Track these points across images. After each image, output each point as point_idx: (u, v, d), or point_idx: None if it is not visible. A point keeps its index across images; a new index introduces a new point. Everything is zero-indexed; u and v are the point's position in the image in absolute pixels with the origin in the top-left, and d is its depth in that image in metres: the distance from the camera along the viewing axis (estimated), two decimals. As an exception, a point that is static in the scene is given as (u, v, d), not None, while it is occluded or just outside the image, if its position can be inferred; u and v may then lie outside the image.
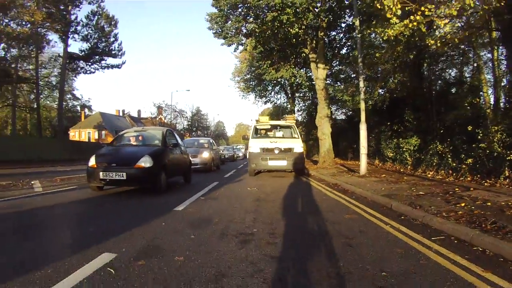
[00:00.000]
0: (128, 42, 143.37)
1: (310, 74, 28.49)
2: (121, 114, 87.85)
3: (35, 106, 49.77)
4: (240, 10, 21.17)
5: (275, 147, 16.11)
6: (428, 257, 4.28)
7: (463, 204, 6.84)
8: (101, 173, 9.56)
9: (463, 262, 4.06)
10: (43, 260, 4.02)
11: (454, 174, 11.97)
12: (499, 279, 3.57)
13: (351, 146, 25.92)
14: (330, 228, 5.90)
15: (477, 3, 9.44)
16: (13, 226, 6.05)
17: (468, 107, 15.56)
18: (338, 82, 32.14)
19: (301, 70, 31.01)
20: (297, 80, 29.54)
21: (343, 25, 24.93)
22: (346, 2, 19.21)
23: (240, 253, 4.38)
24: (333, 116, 31.98)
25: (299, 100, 42.90)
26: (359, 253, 4.43)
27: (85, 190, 10.85)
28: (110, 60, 47.86)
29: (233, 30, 22.04)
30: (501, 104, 16.31)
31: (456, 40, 10.28)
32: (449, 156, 13.06)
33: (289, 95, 41.36)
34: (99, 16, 44.87)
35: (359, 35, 15.23)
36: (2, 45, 36.30)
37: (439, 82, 21.12)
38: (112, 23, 46.92)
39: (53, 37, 50.22)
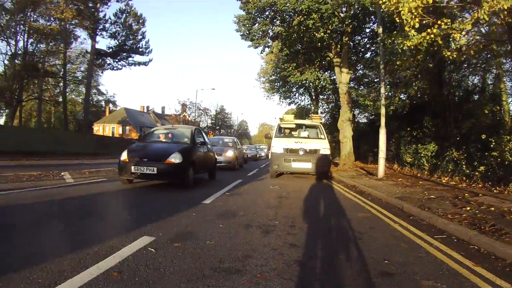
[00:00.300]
0: (155, 40, 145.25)
1: (334, 77, 28.63)
2: (145, 110, 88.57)
3: (61, 100, 50.89)
4: (267, 13, 21.59)
5: (299, 148, 14.97)
6: (428, 252, 4.87)
7: (468, 208, 7.39)
8: (132, 167, 10.15)
9: (458, 257, 4.61)
10: (91, 240, 4.63)
11: (467, 180, 12.34)
12: (487, 272, 4.10)
13: (372, 150, 26.07)
14: (344, 224, 6.58)
15: (494, 18, 9.84)
16: (55, 213, 6.70)
17: (490, 115, 15.84)
18: (362, 86, 32.30)
19: (326, 73, 31.08)
20: (321, 83, 29.64)
21: (367, 30, 25.19)
22: (371, 9, 19.44)
23: (263, 241, 5.05)
24: (356, 119, 32.19)
25: (323, 102, 43.08)
26: (367, 245, 5.06)
27: (115, 182, 11.48)
28: (137, 58, 48.67)
29: (260, 33, 22.39)
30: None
31: (472, 52, 10.70)
32: (463, 163, 13.45)
33: (313, 97, 41.38)
34: (127, 14, 45.74)
35: (381, 44, 15.70)
36: (31, 40, 37.33)
37: (459, 89, 21.33)
38: (140, 21, 47.81)
39: (81, 33, 51.11)
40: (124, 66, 48.33)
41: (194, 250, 4.44)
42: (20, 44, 36.28)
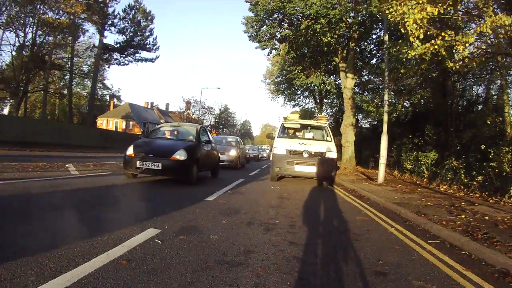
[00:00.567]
0: (163, 37, 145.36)
1: (339, 81, 28.84)
2: (149, 106, 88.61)
3: (66, 92, 51.19)
4: (275, 16, 21.77)
5: (304, 150, 13.81)
6: (420, 255, 5.08)
7: (463, 216, 7.59)
8: (138, 162, 10.37)
9: (450, 262, 4.81)
10: (99, 229, 4.82)
11: (464, 189, 12.52)
12: (476, 276, 4.29)
13: (373, 155, 26.17)
14: (342, 225, 6.80)
15: (498, 29, 10.01)
16: (62, 203, 6.86)
17: (492, 126, 15.97)
18: (366, 92, 32.42)
19: (331, 78, 31.28)
20: (326, 86, 29.79)
21: (374, 37, 25.40)
22: (378, 16, 19.61)
23: (265, 237, 5.27)
24: (359, 125, 32.38)
25: (327, 106, 43.27)
26: (363, 246, 5.28)
27: (119, 176, 11.70)
28: (144, 54, 49.13)
29: (268, 35, 22.58)
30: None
31: (474, 63, 10.89)
32: (462, 172, 13.62)
33: (318, 101, 41.45)
34: (136, 11, 46.05)
35: (386, 51, 15.88)
36: (39, 32, 37.58)
37: (462, 99, 21.47)
38: (149, 18, 48.15)
39: (89, 28, 51.52)
40: (131, 62, 48.71)
41: (198, 243, 4.65)
42: (29, 36, 36.63)
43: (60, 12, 36.93)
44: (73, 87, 53.74)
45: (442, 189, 13.50)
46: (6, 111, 51.17)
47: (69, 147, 28.73)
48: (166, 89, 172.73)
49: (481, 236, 5.81)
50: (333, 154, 14.00)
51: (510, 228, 6.54)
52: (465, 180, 13.21)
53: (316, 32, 20.09)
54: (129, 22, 45.94)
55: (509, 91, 19.69)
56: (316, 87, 34.96)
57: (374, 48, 26.90)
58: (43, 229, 4.77)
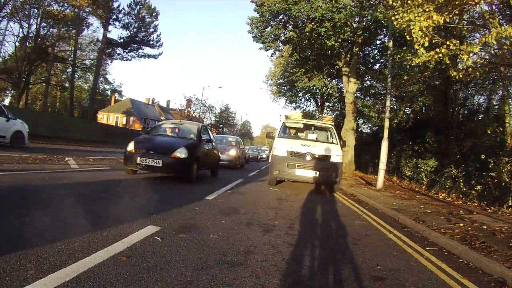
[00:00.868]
0: (167, 34, 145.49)
1: (341, 85, 28.82)
2: (150, 102, 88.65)
3: (67, 85, 51.20)
4: (280, 17, 21.80)
5: (306, 152, 12.57)
6: (418, 261, 5.09)
7: (461, 224, 7.62)
8: (138, 158, 10.38)
9: (447, 269, 4.83)
10: (99, 225, 4.84)
11: (463, 198, 12.56)
12: (473, 284, 4.32)
13: (373, 161, 26.12)
14: (341, 229, 6.83)
15: (503, 40, 10.04)
16: (62, 196, 6.85)
17: (492, 136, 15.97)
18: (368, 97, 32.47)
19: (333, 81, 31.39)
20: (328, 90, 29.86)
21: (378, 42, 25.42)
22: (383, 22, 19.62)
23: (264, 238, 5.30)
24: (359, 129, 32.41)
25: (328, 109, 43.29)
26: (362, 250, 5.31)
27: (119, 171, 11.71)
28: (147, 50, 49.09)
29: (272, 36, 22.59)
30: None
31: (477, 73, 10.92)
32: (461, 180, 13.61)
33: (319, 104, 41.34)
34: (141, 6, 45.99)
35: (390, 57, 15.89)
36: (43, 24, 37.61)
37: (464, 108, 21.49)
38: (153, 14, 48.07)
39: (94, 22, 51.61)
40: (134, 57, 48.65)
41: (198, 242, 4.67)
42: (33, 27, 36.63)
43: (65, 4, 37.03)
44: (75, 80, 53.66)
45: (440, 196, 13.55)
46: (7, 102, 51.26)
47: (69, 141, 28.75)
48: (167, 86, 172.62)
49: (479, 245, 5.84)
50: (338, 158, 12.76)
51: (507, 238, 6.56)
52: (464, 189, 13.22)
53: (321, 35, 20.11)
54: (134, 18, 45.91)
55: (510, 101, 19.69)
56: (318, 90, 34.94)
57: (378, 53, 26.93)
58: (42, 222, 4.76)
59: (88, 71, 56.34)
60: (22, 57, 35.87)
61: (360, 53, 24.88)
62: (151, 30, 48.20)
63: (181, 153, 10.47)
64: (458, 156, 17.08)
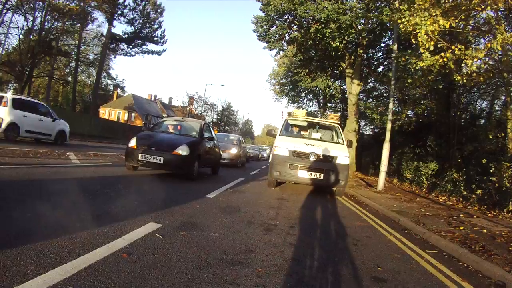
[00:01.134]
0: (171, 31, 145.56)
1: (344, 87, 28.92)
2: (152, 99, 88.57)
3: (70, 79, 51.23)
4: (286, 17, 21.88)
5: (311, 152, 11.53)
6: (418, 264, 5.10)
7: (461, 228, 7.62)
8: (140, 154, 10.37)
9: (447, 272, 4.84)
10: (100, 221, 4.84)
11: (463, 202, 12.55)
12: (472, 287, 4.38)
13: (373, 162, 26.20)
14: (341, 230, 6.83)
15: (508, 46, 10.03)
16: (63, 191, 6.86)
17: (494, 141, 15.98)
18: (371, 99, 32.45)
19: (336, 82, 31.38)
20: (331, 91, 29.87)
21: (382, 45, 25.49)
22: (388, 25, 19.60)
23: (265, 238, 5.30)
24: (361, 131, 32.46)
25: (330, 110, 43.29)
26: (362, 252, 5.31)
27: (120, 168, 11.74)
28: (151, 46, 49.12)
29: (277, 36, 22.66)
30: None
31: (481, 78, 10.92)
32: (462, 184, 13.64)
33: (321, 105, 41.43)
34: (146, 2, 46.11)
35: (394, 60, 15.87)
36: (48, 17, 37.59)
37: (466, 112, 21.50)
38: (158, 10, 48.26)
39: (99, 16, 51.67)
40: (138, 53, 48.82)
41: (199, 240, 4.67)
42: (37, 20, 36.62)
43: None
44: (78, 75, 53.69)
45: (441, 200, 13.52)
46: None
47: (70, 135, 28.65)
48: (170, 83, 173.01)
49: (479, 248, 5.84)
50: (345, 160, 11.73)
51: (507, 242, 6.58)
52: (465, 193, 13.23)
53: (325, 36, 20.13)
54: (139, 14, 45.99)
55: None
56: (321, 91, 34.98)
57: (382, 56, 27.05)
58: (43, 217, 4.76)
59: (92, 66, 56.37)
60: (25, 50, 35.86)
61: (364, 55, 24.94)
62: (156, 26, 48.38)
63: (182, 151, 10.46)
64: (459, 160, 17.14)
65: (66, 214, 5.10)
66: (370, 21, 21.03)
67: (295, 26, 22.29)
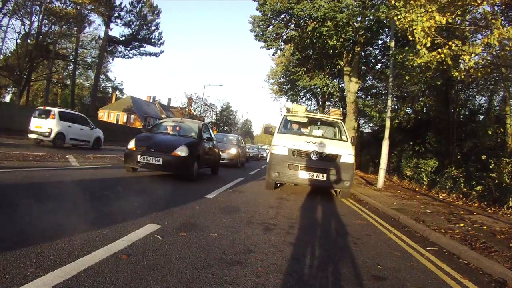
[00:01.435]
0: (169, 32, 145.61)
1: (343, 85, 28.84)
2: (151, 100, 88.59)
3: (68, 82, 51.19)
4: (282, 16, 21.89)
5: (312, 151, 10.55)
6: (419, 261, 5.10)
7: (462, 225, 7.62)
8: (139, 156, 10.38)
9: (447, 269, 4.84)
10: (100, 222, 4.84)
11: (463, 198, 12.57)
12: (473, 285, 4.34)
13: (373, 160, 26.12)
14: (341, 228, 6.82)
15: (506, 42, 10.03)
16: (63, 194, 6.89)
17: (493, 137, 15.97)
18: (369, 97, 32.42)
19: (334, 81, 31.37)
20: (330, 89, 29.86)
21: (379, 42, 25.49)
22: (385, 22, 19.60)
23: (264, 237, 5.29)
24: (360, 129, 32.45)
25: (327, 111, 43.22)
26: (362, 250, 5.31)
27: (119, 170, 11.71)
28: (149, 48, 49.18)
29: (274, 35, 22.72)
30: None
31: (479, 74, 10.92)
32: (462, 181, 13.62)
33: (320, 103, 41.41)
34: (143, 4, 46.04)
35: (392, 57, 15.88)
36: (45, 21, 37.56)
37: (465, 109, 21.49)
38: (155, 12, 48.20)
39: (96, 19, 51.61)
40: (135, 55, 48.75)
41: (199, 240, 4.67)
42: (34, 24, 36.62)
43: (67, 1, 36.98)
44: (76, 78, 53.65)
45: (441, 197, 13.54)
46: (8, 99, 51.23)
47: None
48: (168, 84, 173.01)
49: (479, 245, 5.84)
50: (350, 158, 10.81)
51: (508, 238, 6.58)
52: (465, 189, 13.20)
53: (322, 34, 20.15)
54: (136, 16, 45.94)
55: (511, 102, 19.70)
56: (319, 90, 34.93)
57: (379, 53, 27.02)
58: (43, 219, 4.76)
59: (90, 69, 56.26)
60: (23, 54, 35.87)
61: (362, 52, 24.99)
62: (153, 28, 48.35)
63: (182, 151, 10.46)
64: (458, 157, 17.12)
65: (65, 216, 5.09)
66: (366, 18, 21.07)
67: (292, 25, 22.34)
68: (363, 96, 31.92)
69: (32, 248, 3.55)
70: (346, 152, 10.77)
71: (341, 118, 13.58)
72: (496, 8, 11.12)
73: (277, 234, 5.60)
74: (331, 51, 22.63)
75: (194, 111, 70.93)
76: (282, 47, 24.02)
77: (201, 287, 3.22)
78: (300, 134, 12.21)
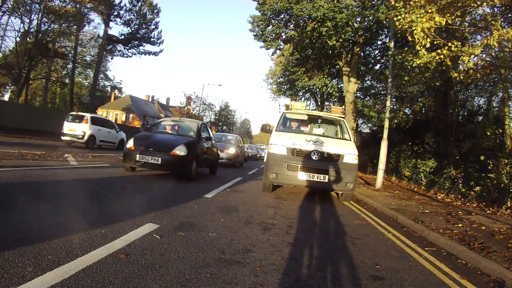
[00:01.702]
0: (168, 31, 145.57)
1: (341, 85, 28.85)
2: (150, 99, 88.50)
3: (67, 81, 51.10)
4: (282, 16, 21.89)
5: (313, 150, 9.80)
6: (417, 261, 5.10)
7: (460, 225, 7.63)
8: (137, 155, 10.36)
9: (446, 269, 4.84)
10: (98, 222, 4.83)
11: (462, 199, 12.58)
12: (471, 285, 4.34)
13: (372, 161, 26.14)
14: (340, 229, 6.82)
15: (504, 42, 10.03)
16: (61, 193, 6.86)
17: (492, 137, 16.00)
18: (368, 97, 32.43)
19: (333, 81, 31.36)
20: (328, 89, 29.85)
21: (379, 42, 25.50)
22: (385, 22, 19.60)
23: (263, 237, 5.30)
24: (359, 129, 32.41)
25: (328, 108, 43.20)
26: (361, 250, 5.31)
27: (118, 169, 11.73)
28: (148, 47, 48.98)
29: (273, 35, 22.70)
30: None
31: (478, 75, 10.93)
32: (460, 181, 13.65)
33: (318, 103, 41.40)
34: (142, 3, 45.95)
35: (391, 58, 15.88)
36: (44, 19, 37.50)
37: (464, 109, 21.52)
38: (155, 11, 48.09)
39: (95, 18, 51.56)
40: (135, 54, 48.67)
41: (197, 240, 4.66)
42: (34, 22, 36.53)
43: (67, 0, 36.90)
44: (75, 76, 53.59)
45: (439, 197, 13.53)
46: (6, 97, 51.14)
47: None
48: (167, 83, 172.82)
49: (478, 246, 5.85)
50: (353, 158, 9.99)
51: (506, 238, 6.59)
52: (463, 190, 13.24)
53: (322, 35, 20.15)
54: (135, 14, 45.86)
55: (510, 103, 19.73)
56: (318, 90, 34.97)
57: (379, 54, 27.00)
58: (41, 219, 4.76)
59: (89, 68, 56.08)
60: (22, 52, 35.75)
61: (361, 53, 25.01)
62: (152, 27, 48.27)
63: (180, 151, 10.46)
64: (457, 157, 17.14)
65: (63, 215, 5.08)
66: (366, 19, 21.09)
67: (292, 25, 22.35)
68: (362, 97, 31.90)
69: (31, 248, 3.55)
70: (349, 152, 10.00)
71: (343, 116, 13.07)
72: (495, 9, 11.13)
73: (276, 234, 5.61)
74: (330, 51, 22.65)
75: (193, 110, 70.83)
76: (281, 47, 24.03)
77: (199, 286, 3.21)
78: (299, 133, 11.40)
